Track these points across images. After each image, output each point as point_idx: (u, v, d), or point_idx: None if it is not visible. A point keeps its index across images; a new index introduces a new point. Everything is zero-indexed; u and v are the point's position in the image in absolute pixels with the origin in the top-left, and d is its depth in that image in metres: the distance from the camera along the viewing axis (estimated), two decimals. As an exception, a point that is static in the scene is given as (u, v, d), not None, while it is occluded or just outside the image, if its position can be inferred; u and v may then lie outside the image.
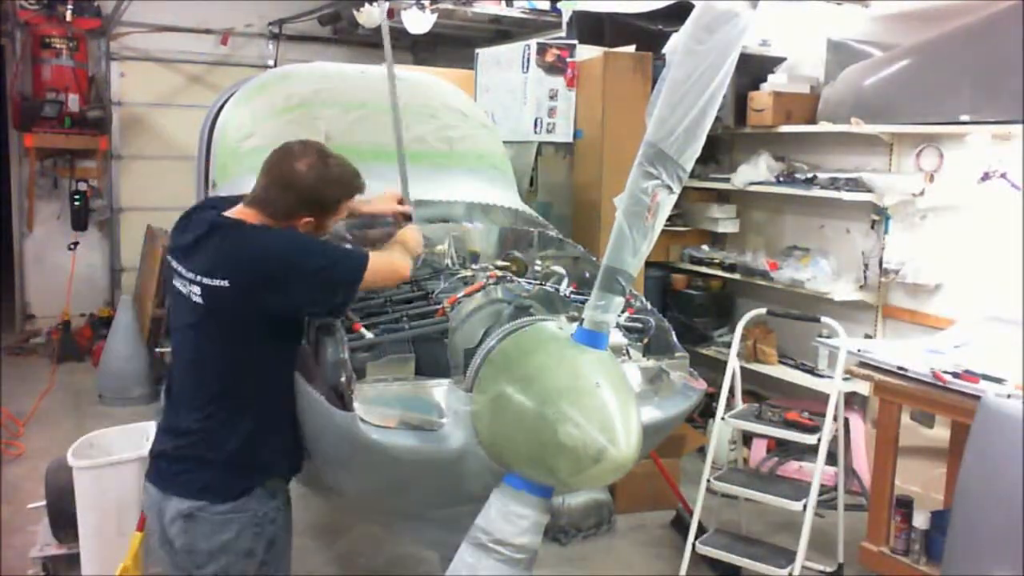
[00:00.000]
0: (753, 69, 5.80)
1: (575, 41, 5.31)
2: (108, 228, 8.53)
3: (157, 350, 6.75)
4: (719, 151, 6.52)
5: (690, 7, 2.01)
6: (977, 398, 3.32)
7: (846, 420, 4.58)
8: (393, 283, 2.51)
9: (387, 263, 2.43)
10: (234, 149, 3.57)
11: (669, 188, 1.97)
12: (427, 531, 2.74)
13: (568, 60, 5.05)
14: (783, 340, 5.73)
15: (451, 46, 8.44)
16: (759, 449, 5.42)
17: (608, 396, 2.00)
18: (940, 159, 4.92)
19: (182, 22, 8.54)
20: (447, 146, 3.69)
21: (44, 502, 3.97)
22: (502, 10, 7.20)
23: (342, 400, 2.21)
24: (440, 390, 2.30)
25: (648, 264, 4.26)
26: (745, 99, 5.80)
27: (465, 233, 3.11)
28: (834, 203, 5.33)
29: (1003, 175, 4.57)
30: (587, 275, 3.00)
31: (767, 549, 3.98)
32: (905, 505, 3.88)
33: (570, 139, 5.11)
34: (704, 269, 6.27)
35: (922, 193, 4.94)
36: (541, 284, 2.76)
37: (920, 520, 3.82)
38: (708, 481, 4.05)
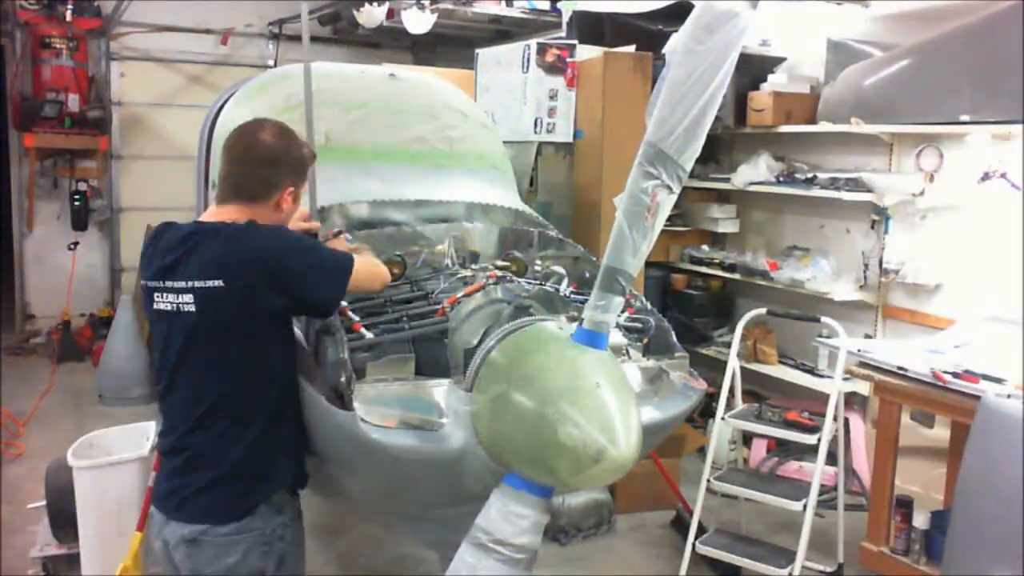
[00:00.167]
0: (753, 69, 5.80)
1: (575, 41, 5.31)
2: (108, 228, 8.53)
3: (157, 350, 6.75)
4: (719, 151, 6.52)
5: (690, 7, 2.01)
6: (977, 398, 3.32)
7: (846, 420, 4.58)
8: (377, 287, 2.48)
9: (371, 265, 2.43)
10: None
11: (669, 188, 1.97)
12: (427, 531, 2.74)
13: (568, 60, 5.05)
14: (783, 340, 5.73)
15: (451, 46, 8.44)
16: (759, 449, 5.42)
17: (608, 396, 2.00)
18: (940, 159, 4.92)
19: (182, 22, 8.54)
20: (447, 146, 3.70)
21: (44, 502, 3.97)
22: (502, 10, 7.21)
23: (342, 400, 2.21)
24: (440, 390, 2.30)
25: (648, 264, 4.26)
26: (745, 99, 5.80)
27: (465, 233, 3.11)
28: (834, 203, 5.33)
29: (1003, 175, 4.57)
30: (587, 275, 3.00)
31: (767, 549, 3.98)
32: (905, 505, 3.88)
33: (570, 139, 5.11)
34: (704, 269, 6.27)
35: (922, 193, 4.94)
36: (541, 284, 2.76)
37: (920, 520, 3.82)
38: (708, 481, 4.05)
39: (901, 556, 3.87)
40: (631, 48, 5.15)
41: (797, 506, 3.78)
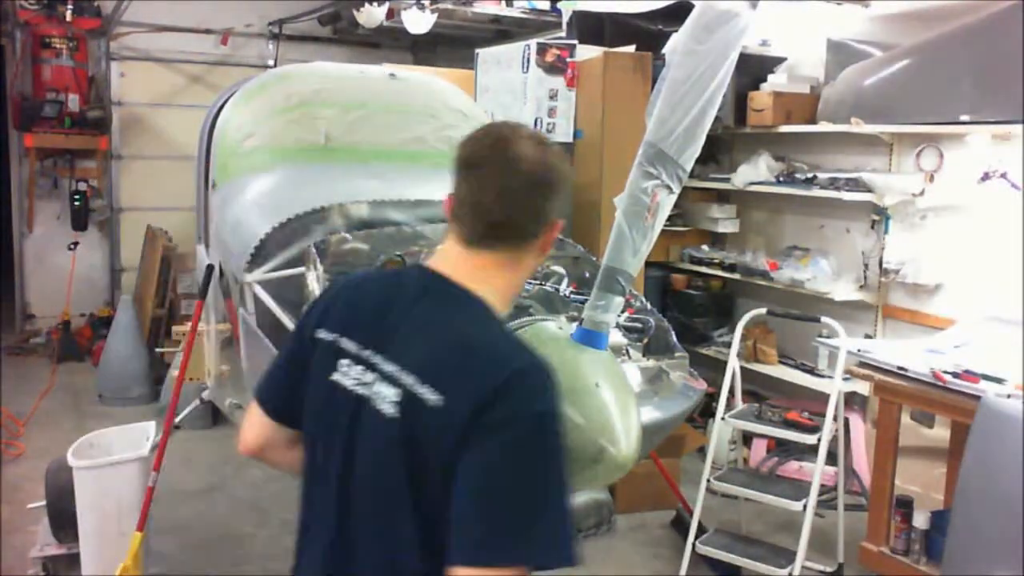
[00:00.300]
0: (753, 69, 5.80)
1: (575, 41, 5.31)
2: (108, 228, 8.53)
3: (157, 350, 6.76)
4: (719, 151, 6.52)
5: (690, 7, 2.01)
6: (977, 398, 3.32)
7: (846, 420, 4.58)
8: None
9: None
10: (234, 149, 3.58)
11: (669, 188, 1.97)
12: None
13: (568, 60, 5.05)
14: (783, 340, 5.73)
15: (451, 46, 8.44)
16: (759, 449, 5.42)
17: (608, 396, 2.00)
18: (940, 159, 4.92)
19: (182, 22, 8.54)
20: (447, 146, 3.70)
21: (44, 502, 3.97)
22: (502, 10, 7.20)
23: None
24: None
25: (648, 264, 4.25)
26: (745, 99, 5.80)
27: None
28: (834, 203, 5.33)
29: (1003, 175, 4.57)
30: (587, 275, 3.00)
31: (767, 549, 3.98)
32: (905, 505, 3.88)
33: (570, 139, 5.10)
34: (704, 269, 6.27)
35: (922, 193, 4.93)
36: (541, 284, 2.76)
37: (920, 520, 3.82)
38: (708, 481, 4.05)
39: (901, 556, 3.87)
40: (631, 48, 5.15)
41: (797, 506, 3.78)
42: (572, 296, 2.76)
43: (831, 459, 4.15)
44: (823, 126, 5.36)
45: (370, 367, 1.50)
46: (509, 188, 1.52)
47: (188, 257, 6.75)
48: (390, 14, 7.00)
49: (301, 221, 3.00)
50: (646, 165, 1.95)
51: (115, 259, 8.59)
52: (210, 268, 3.52)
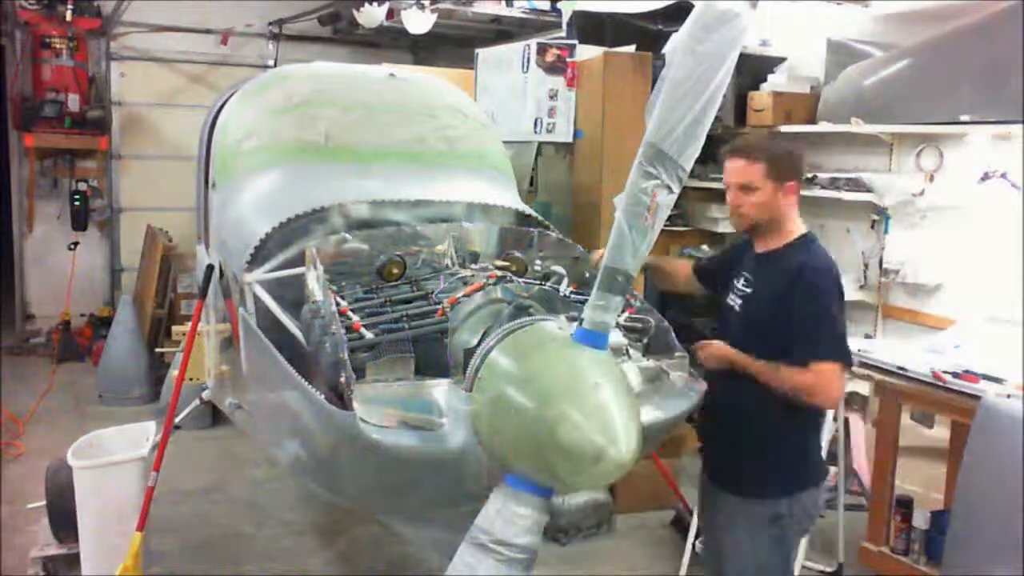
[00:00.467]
0: (753, 69, 5.80)
1: (575, 41, 5.31)
2: (108, 228, 8.53)
3: (157, 350, 6.76)
4: (719, 151, 6.49)
5: (690, 7, 2.01)
6: (977, 398, 3.32)
7: (846, 420, 4.58)
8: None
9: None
10: (234, 149, 3.57)
11: (669, 188, 1.97)
12: (427, 531, 2.74)
13: (568, 60, 5.05)
14: (783, 340, 5.72)
15: (451, 46, 8.44)
16: (759, 449, 5.41)
17: (608, 396, 2.00)
18: (940, 159, 4.92)
19: (182, 22, 8.54)
20: (447, 146, 3.69)
21: (44, 502, 3.97)
22: (502, 10, 7.21)
23: (342, 400, 2.20)
24: (440, 390, 2.30)
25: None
26: (745, 99, 5.81)
27: (465, 233, 3.11)
28: (834, 203, 5.33)
29: (1003, 175, 4.58)
30: (587, 275, 3.00)
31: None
32: (905, 505, 3.88)
33: (570, 139, 5.10)
34: (704, 269, 6.26)
35: (922, 193, 4.94)
36: (541, 284, 2.76)
37: (920, 520, 3.82)
38: (708, 481, 4.04)
39: (901, 556, 3.87)
40: (631, 48, 5.15)
41: (797, 506, 3.77)
42: (572, 296, 2.75)
43: (831, 459, 4.14)
44: (823, 126, 5.36)
45: None
46: None
47: (188, 257, 6.74)
48: (390, 14, 7.00)
49: (301, 221, 3.00)
50: (646, 165, 1.95)
51: (115, 259, 8.59)
52: (210, 268, 3.52)
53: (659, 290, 3.59)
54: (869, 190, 5.04)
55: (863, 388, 4.90)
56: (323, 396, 2.25)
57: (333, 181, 3.28)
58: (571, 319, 2.41)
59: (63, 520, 3.83)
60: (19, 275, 8.34)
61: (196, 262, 4.69)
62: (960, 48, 4.72)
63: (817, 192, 5.34)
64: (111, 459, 3.73)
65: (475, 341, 2.37)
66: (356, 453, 2.26)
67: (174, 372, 5.06)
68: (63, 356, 7.57)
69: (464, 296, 2.55)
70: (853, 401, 5.17)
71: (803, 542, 3.73)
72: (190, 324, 3.90)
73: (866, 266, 5.30)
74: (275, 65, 8.55)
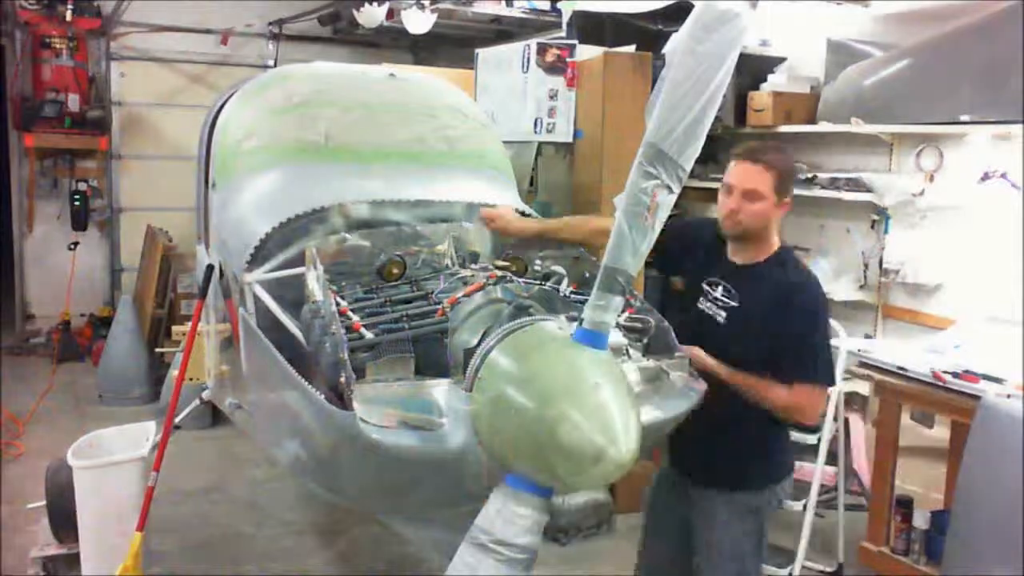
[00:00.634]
0: (753, 69, 5.80)
1: (575, 41, 5.31)
2: (108, 228, 8.53)
3: (157, 350, 6.76)
4: (719, 151, 6.51)
5: (690, 7, 2.01)
6: (977, 398, 3.32)
7: (846, 420, 4.58)
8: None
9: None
10: (234, 149, 3.57)
11: (669, 188, 1.97)
12: (427, 531, 2.74)
13: (568, 60, 5.05)
14: (783, 340, 5.72)
15: (451, 46, 8.44)
16: (759, 449, 5.41)
17: (608, 396, 2.00)
18: (940, 159, 4.92)
19: (182, 22, 8.54)
20: (447, 146, 3.69)
21: (44, 502, 3.97)
22: (502, 10, 7.20)
23: (342, 400, 2.20)
24: (440, 390, 2.30)
25: (648, 264, 4.25)
26: (745, 99, 5.81)
27: (465, 233, 3.11)
28: (834, 203, 5.33)
29: (1003, 175, 4.58)
30: (587, 275, 2.99)
31: (767, 549, 3.97)
32: (905, 505, 3.89)
33: (570, 139, 5.10)
34: (704, 269, 6.26)
35: (922, 193, 4.94)
36: (541, 284, 2.76)
37: (920, 520, 3.82)
38: (708, 481, 4.04)
39: (901, 556, 3.88)
40: (631, 48, 5.15)
41: (797, 506, 3.78)
42: (572, 296, 2.75)
43: (831, 459, 4.15)
44: (823, 126, 5.36)
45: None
46: None
47: (188, 257, 6.74)
48: (390, 14, 7.00)
49: (301, 221, 2.99)
50: (646, 165, 1.95)
51: (115, 259, 8.59)
52: (210, 268, 3.51)
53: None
54: (869, 190, 5.04)
55: (863, 388, 4.90)
56: (323, 396, 2.25)
57: (333, 181, 3.28)
58: (571, 319, 2.41)
59: (63, 520, 3.83)
60: (19, 275, 8.34)
61: (196, 262, 4.68)
62: (960, 48, 4.72)
63: (817, 192, 5.35)
64: (111, 459, 3.73)
65: (475, 341, 2.37)
66: (356, 453, 2.26)
67: (174, 372, 5.05)
68: (63, 356, 7.57)
69: (464, 296, 2.55)
70: (853, 401, 5.17)
71: (803, 542, 3.73)
72: (190, 324, 3.90)
73: (866, 266, 5.30)
74: (275, 65, 8.55)
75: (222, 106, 3.97)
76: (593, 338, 2.05)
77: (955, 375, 3.53)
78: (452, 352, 2.45)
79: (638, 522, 4.71)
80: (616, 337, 2.64)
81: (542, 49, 5.06)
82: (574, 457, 1.96)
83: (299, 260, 2.78)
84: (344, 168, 3.41)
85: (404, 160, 3.54)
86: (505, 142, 4.27)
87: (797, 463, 5.14)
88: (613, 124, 4.81)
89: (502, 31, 7.76)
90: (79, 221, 8.08)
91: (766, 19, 5.99)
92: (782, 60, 5.96)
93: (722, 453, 2.75)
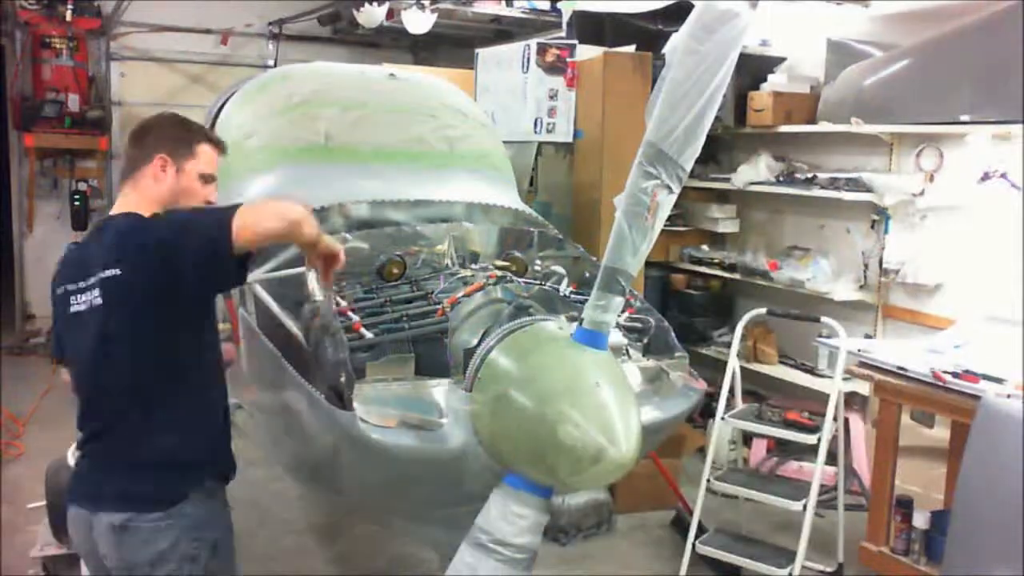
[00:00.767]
0: (753, 69, 5.80)
1: (575, 41, 5.31)
2: (108, 228, 8.52)
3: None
4: (719, 151, 6.51)
5: (690, 7, 2.01)
6: (977, 398, 3.32)
7: (846, 420, 4.58)
8: (277, 225, 2.12)
9: (261, 205, 2.30)
10: (234, 149, 3.56)
11: (669, 188, 1.97)
12: (427, 531, 2.74)
13: (568, 60, 5.05)
14: (783, 340, 5.73)
15: (451, 46, 8.44)
16: (759, 449, 5.42)
17: (608, 396, 2.00)
18: (940, 159, 4.92)
19: (182, 22, 8.54)
20: (447, 146, 3.69)
21: (44, 502, 3.97)
22: (502, 10, 7.20)
23: (342, 400, 2.21)
24: (440, 390, 2.30)
25: (648, 264, 4.26)
26: (745, 99, 5.80)
27: (465, 233, 3.11)
28: (834, 203, 5.33)
29: (1003, 175, 4.57)
30: (587, 275, 3.00)
31: (767, 549, 3.98)
32: (905, 505, 3.88)
33: (570, 139, 5.10)
34: (704, 269, 6.27)
35: (922, 193, 4.93)
36: (541, 284, 2.77)
37: (920, 520, 3.81)
38: (708, 481, 4.05)
39: (901, 556, 3.87)
40: (631, 48, 5.15)
41: (797, 506, 3.78)
42: (572, 296, 2.76)
43: (831, 459, 4.15)
44: (823, 126, 5.36)
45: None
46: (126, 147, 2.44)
47: (188, 257, 6.73)
48: (390, 14, 7.00)
49: (301, 221, 2.99)
50: (646, 165, 1.95)
51: (115, 259, 8.57)
52: (210, 268, 3.52)
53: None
54: (869, 190, 5.03)
55: (863, 388, 4.90)
56: (323, 396, 2.25)
57: (333, 181, 3.28)
58: (571, 319, 2.41)
59: (63, 520, 3.82)
60: (19, 275, 8.34)
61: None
62: (960, 48, 4.72)
63: (817, 192, 5.34)
64: (111, 459, 3.72)
65: (475, 341, 2.38)
66: (356, 453, 2.26)
67: (174, 372, 5.06)
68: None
69: (464, 296, 2.56)
70: (853, 401, 5.17)
71: (803, 542, 3.73)
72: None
73: (866, 266, 5.30)
74: (275, 65, 8.55)
75: (222, 106, 3.97)
76: (593, 338, 2.06)
77: (955, 375, 3.52)
78: (452, 352, 2.45)
79: (638, 522, 4.75)
80: (616, 337, 2.64)
81: (542, 49, 5.06)
82: (574, 457, 1.96)
83: (299, 260, 2.78)
84: (344, 168, 3.42)
85: (404, 160, 3.55)
86: (505, 142, 4.28)
87: (797, 463, 5.20)
88: (613, 124, 4.81)
89: (502, 31, 7.76)
90: (79, 221, 8.06)
91: (766, 19, 5.99)
92: (782, 60, 5.96)
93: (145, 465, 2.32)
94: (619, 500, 4.73)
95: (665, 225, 2.08)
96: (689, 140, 1.95)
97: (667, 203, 1.99)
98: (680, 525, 4.53)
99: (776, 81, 5.73)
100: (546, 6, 7.16)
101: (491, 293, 2.58)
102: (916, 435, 4.48)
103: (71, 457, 3.68)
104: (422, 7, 6.76)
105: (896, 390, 3.79)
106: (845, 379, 4.02)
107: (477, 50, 5.60)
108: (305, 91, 3.71)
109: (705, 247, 6.40)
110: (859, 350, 4.00)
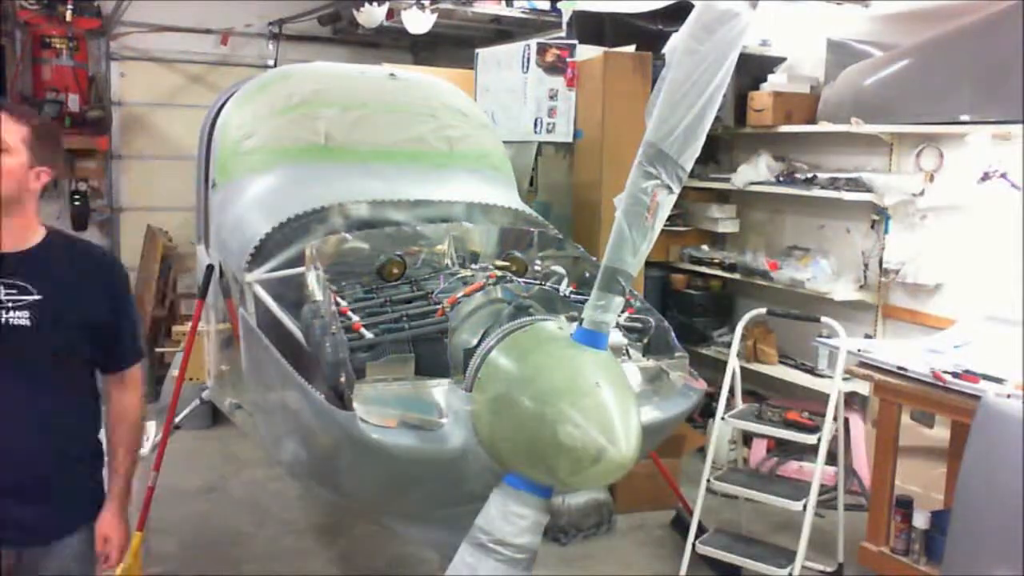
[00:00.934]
0: (753, 69, 5.80)
1: (575, 41, 5.31)
2: (108, 228, 8.52)
3: (157, 350, 6.75)
4: (719, 151, 6.51)
5: (690, 7, 2.01)
6: (977, 398, 3.32)
7: (846, 420, 4.58)
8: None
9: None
10: (234, 149, 3.58)
11: (669, 188, 1.97)
12: (427, 531, 2.74)
13: (568, 60, 5.05)
14: (783, 340, 5.73)
15: (451, 46, 8.44)
16: (759, 449, 5.42)
17: (608, 396, 2.00)
18: (940, 159, 4.92)
19: (182, 22, 8.53)
20: (447, 146, 3.70)
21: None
22: (502, 10, 7.20)
23: (342, 400, 2.21)
24: (440, 390, 2.30)
25: (648, 264, 4.25)
26: (745, 99, 5.81)
27: (465, 233, 3.11)
28: (834, 203, 5.33)
29: (1003, 175, 4.57)
30: (587, 275, 3.00)
31: (767, 549, 3.98)
32: (905, 505, 3.88)
33: (570, 139, 5.11)
34: (704, 269, 6.27)
35: (922, 193, 4.94)
36: (541, 284, 2.76)
37: (920, 520, 3.81)
38: (708, 481, 4.05)
39: (901, 556, 3.87)
40: (631, 48, 5.15)
41: (797, 506, 3.78)
42: (572, 296, 2.75)
43: (831, 459, 4.15)
44: (823, 126, 5.36)
45: None
46: None
47: (188, 257, 6.74)
48: (390, 14, 6.99)
49: (301, 221, 2.99)
50: (646, 165, 1.95)
51: (115, 259, 8.57)
52: (210, 268, 3.52)
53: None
54: (869, 190, 5.04)
55: (863, 388, 4.90)
56: (323, 396, 2.25)
57: (333, 181, 3.28)
58: (571, 319, 2.41)
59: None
60: (19, 275, 8.32)
61: (196, 262, 4.69)
62: (960, 48, 4.72)
63: (817, 192, 5.34)
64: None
65: (475, 341, 2.38)
66: (356, 453, 2.26)
67: (174, 372, 5.06)
68: (63, 356, 7.55)
69: (464, 296, 2.55)
70: (853, 401, 5.18)
71: (803, 542, 3.73)
72: (190, 324, 3.90)
73: (866, 266, 5.30)
74: (275, 65, 8.54)
75: (222, 106, 3.97)
76: (593, 338, 2.06)
77: (955, 375, 3.53)
78: (452, 352, 2.45)
79: (638, 522, 4.75)
80: (616, 337, 2.64)
81: (542, 49, 5.06)
82: (574, 457, 1.96)
83: (299, 260, 2.78)
84: (344, 168, 3.42)
85: (404, 160, 3.55)
86: (505, 142, 4.27)
87: (797, 463, 5.20)
88: (613, 124, 4.81)
89: (502, 31, 7.76)
90: (79, 221, 8.07)
91: (766, 19, 5.99)
92: (782, 60, 5.96)
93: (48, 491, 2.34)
94: (619, 500, 4.73)
95: (665, 225, 2.08)
96: (689, 140, 1.94)
97: (667, 203, 1.99)
98: (680, 525, 4.53)
99: (776, 81, 5.73)
100: (546, 6, 7.16)
101: (491, 293, 2.58)
102: (916, 435, 4.48)
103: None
104: (422, 7, 6.76)
105: (896, 390, 3.79)
106: (845, 379, 4.03)
107: (477, 50, 5.60)
108: (305, 91, 3.71)
109: (705, 247, 6.40)
110: (859, 350, 4.01)
